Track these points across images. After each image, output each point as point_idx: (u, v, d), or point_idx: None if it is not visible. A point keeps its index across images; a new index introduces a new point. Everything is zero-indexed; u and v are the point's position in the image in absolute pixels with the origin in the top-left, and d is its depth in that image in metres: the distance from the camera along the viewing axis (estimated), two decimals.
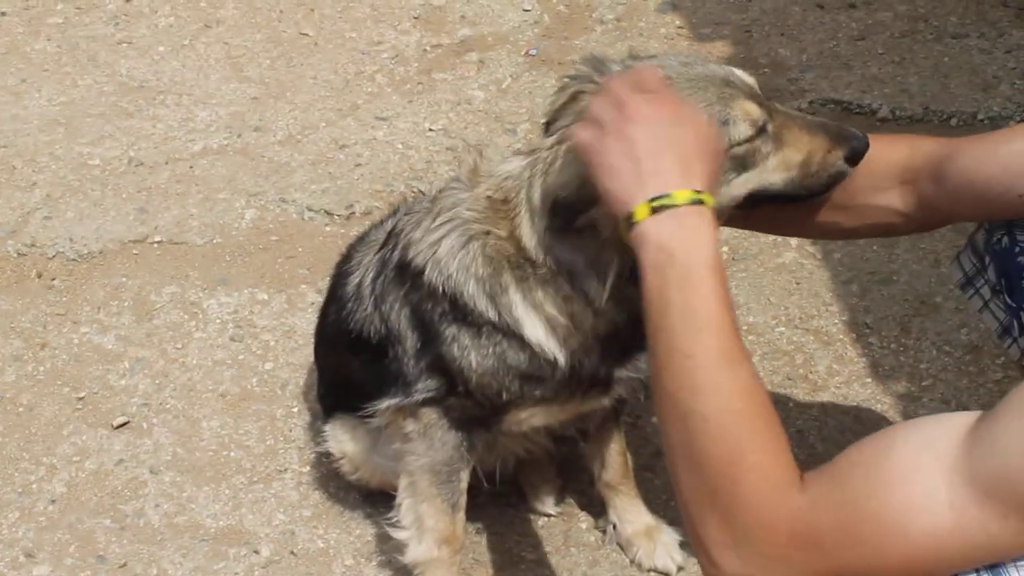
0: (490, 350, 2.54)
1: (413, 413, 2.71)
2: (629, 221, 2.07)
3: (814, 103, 4.43)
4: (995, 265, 2.57)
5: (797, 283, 3.76)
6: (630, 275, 2.29)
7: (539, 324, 2.50)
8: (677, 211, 2.04)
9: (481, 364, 2.55)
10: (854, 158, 2.46)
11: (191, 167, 4.37)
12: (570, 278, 2.42)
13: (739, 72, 2.47)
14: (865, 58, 4.64)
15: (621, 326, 2.49)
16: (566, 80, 2.48)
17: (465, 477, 2.80)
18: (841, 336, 3.59)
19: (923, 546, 1.80)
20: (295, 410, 3.50)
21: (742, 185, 2.40)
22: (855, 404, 3.38)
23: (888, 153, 2.59)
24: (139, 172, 4.36)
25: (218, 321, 3.79)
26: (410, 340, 2.65)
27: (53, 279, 3.95)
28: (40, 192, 4.29)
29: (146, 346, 3.72)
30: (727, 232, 3.88)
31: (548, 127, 2.46)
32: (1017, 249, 2.50)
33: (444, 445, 2.71)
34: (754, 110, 2.38)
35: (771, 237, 3.89)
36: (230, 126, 4.56)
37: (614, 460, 3.03)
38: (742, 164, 2.39)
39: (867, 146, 2.46)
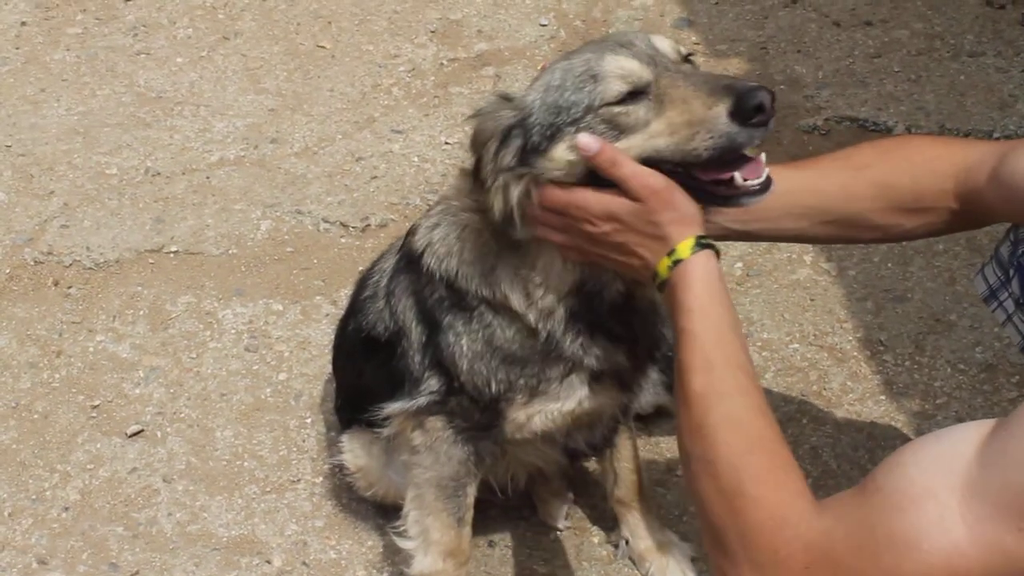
0: (479, 333, 2.54)
1: (420, 424, 2.72)
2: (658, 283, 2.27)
3: (830, 120, 4.44)
4: (1019, 278, 2.57)
5: (811, 300, 3.76)
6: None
7: (521, 295, 2.48)
8: (685, 264, 2.22)
9: (471, 348, 2.56)
10: (741, 112, 2.14)
11: (208, 178, 4.39)
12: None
13: (656, 38, 2.34)
14: (881, 76, 4.65)
15: (605, 306, 2.47)
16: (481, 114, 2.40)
17: (472, 492, 2.79)
18: (855, 353, 3.58)
19: (941, 564, 1.81)
20: (308, 421, 3.51)
21: (625, 150, 2.25)
22: (869, 421, 3.37)
23: (948, 154, 2.61)
24: (156, 182, 4.38)
25: (233, 331, 3.80)
26: (415, 332, 2.67)
27: (69, 287, 3.97)
28: (58, 200, 4.31)
29: (161, 355, 3.73)
30: (741, 248, 3.90)
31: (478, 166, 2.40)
32: None
33: (450, 459, 2.71)
34: (629, 66, 2.25)
35: (785, 253, 3.89)
36: (247, 137, 4.57)
37: (627, 476, 3.02)
38: (618, 127, 2.25)
39: (760, 103, 2.13)
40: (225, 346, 3.76)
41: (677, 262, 2.21)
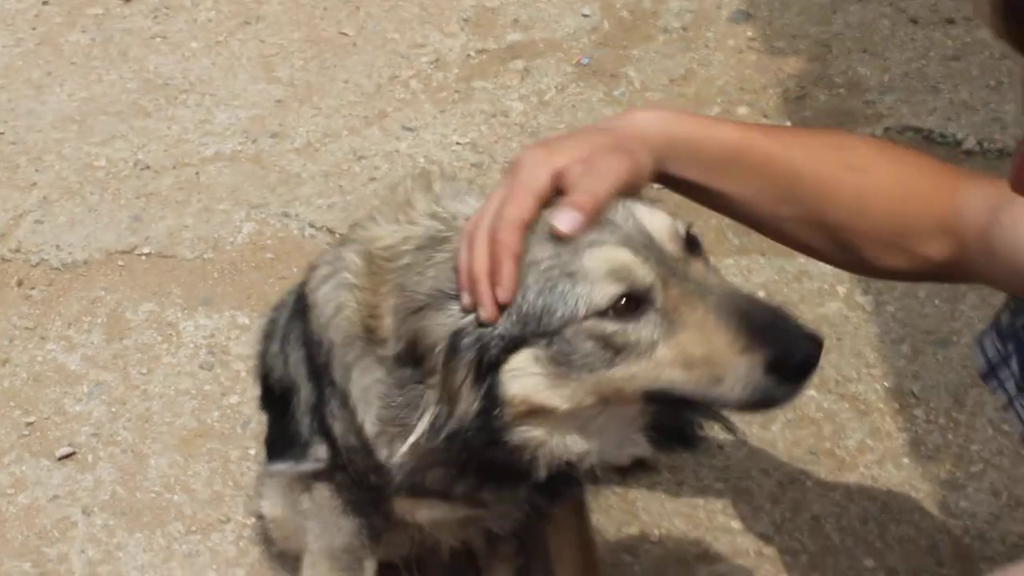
0: (352, 423, 2.07)
1: (308, 487, 2.32)
2: None
3: (890, 129, 3.89)
4: (1018, 354, 2.02)
5: (838, 339, 3.24)
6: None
7: (373, 420, 2.00)
8: None
9: (345, 436, 2.11)
10: (784, 370, 1.62)
11: (197, 173, 4.04)
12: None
13: (646, 214, 1.73)
14: (956, 80, 4.08)
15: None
16: None
17: (371, 567, 2.37)
18: (880, 405, 3.06)
19: None
20: (252, 452, 3.13)
21: (622, 380, 1.70)
22: (886, 489, 2.86)
23: (944, 184, 2.01)
24: (143, 176, 4.05)
25: (191, 345, 3.44)
26: (305, 390, 2.22)
27: (32, 288, 3.66)
28: (38, 193, 4.01)
29: (110, 369, 3.40)
30: (766, 275, 3.40)
31: None
32: None
33: (340, 530, 2.31)
34: (623, 258, 1.67)
35: (816, 283, 3.38)
36: (247, 130, 4.21)
37: (570, 555, 2.54)
38: (613, 348, 1.68)
39: (807, 359, 1.64)
40: (180, 362, 3.40)
41: None
